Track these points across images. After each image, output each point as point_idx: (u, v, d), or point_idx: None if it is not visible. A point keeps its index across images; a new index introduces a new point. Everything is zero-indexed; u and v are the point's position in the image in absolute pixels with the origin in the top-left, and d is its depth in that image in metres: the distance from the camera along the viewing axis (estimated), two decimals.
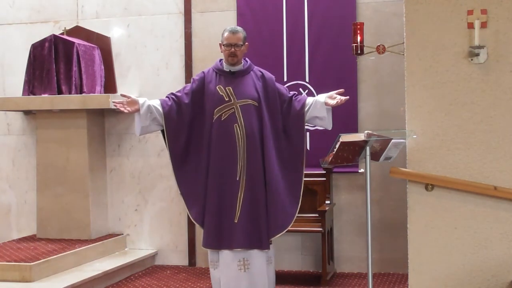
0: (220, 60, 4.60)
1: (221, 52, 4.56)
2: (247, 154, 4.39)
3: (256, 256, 4.37)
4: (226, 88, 4.46)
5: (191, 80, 4.60)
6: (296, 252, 5.76)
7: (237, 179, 4.38)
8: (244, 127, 4.39)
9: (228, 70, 4.53)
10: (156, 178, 6.14)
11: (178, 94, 4.50)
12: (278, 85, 4.59)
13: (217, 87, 4.48)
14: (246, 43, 4.56)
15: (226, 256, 4.37)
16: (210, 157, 4.42)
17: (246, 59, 4.61)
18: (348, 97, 4.32)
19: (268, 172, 4.42)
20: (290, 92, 4.56)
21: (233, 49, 4.45)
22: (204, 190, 4.43)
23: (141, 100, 4.39)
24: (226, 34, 4.49)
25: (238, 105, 4.42)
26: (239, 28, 4.55)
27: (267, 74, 4.60)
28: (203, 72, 4.59)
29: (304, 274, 5.65)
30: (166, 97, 4.50)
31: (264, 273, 4.41)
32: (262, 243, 4.36)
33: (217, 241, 4.37)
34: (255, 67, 4.60)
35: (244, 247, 4.34)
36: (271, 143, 4.47)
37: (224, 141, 4.38)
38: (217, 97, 4.44)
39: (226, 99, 4.44)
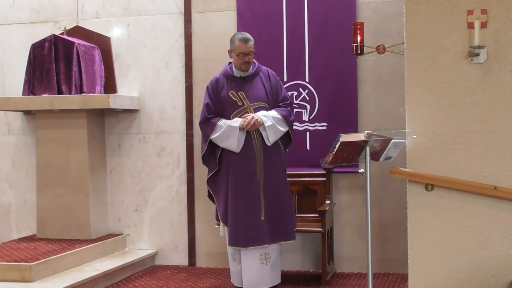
0: (229, 63, 4.85)
1: (230, 58, 4.82)
2: (264, 154, 4.71)
3: (275, 249, 4.75)
4: (238, 93, 4.76)
5: (206, 88, 4.87)
6: (296, 252, 5.76)
7: (257, 179, 4.69)
8: (259, 129, 4.70)
9: (238, 75, 4.80)
10: (156, 178, 6.14)
11: (213, 109, 4.78)
12: (281, 86, 4.92)
13: (229, 93, 4.77)
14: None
15: (250, 251, 4.68)
16: (229, 159, 4.72)
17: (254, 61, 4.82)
18: (251, 117, 4.63)
19: (283, 169, 4.83)
20: (283, 99, 4.87)
21: (246, 58, 4.72)
22: (226, 191, 4.74)
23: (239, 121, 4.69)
24: (237, 43, 4.72)
25: (251, 108, 4.75)
26: (248, 36, 4.77)
27: (273, 75, 4.91)
28: (216, 77, 4.85)
29: (304, 274, 5.65)
30: (215, 118, 4.77)
31: (279, 264, 4.83)
32: (289, 235, 4.78)
33: (245, 240, 4.67)
34: (262, 67, 4.82)
35: (272, 242, 4.69)
36: (280, 141, 4.81)
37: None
38: (231, 102, 4.74)
39: (240, 104, 4.75)
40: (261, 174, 4.68)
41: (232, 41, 4.74)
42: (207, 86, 4.87)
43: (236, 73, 4.79)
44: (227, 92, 4.75)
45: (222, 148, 4.75)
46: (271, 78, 4.85)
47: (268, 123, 4.67)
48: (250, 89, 4.76)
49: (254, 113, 4.70)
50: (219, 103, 4.77)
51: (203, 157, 4.86)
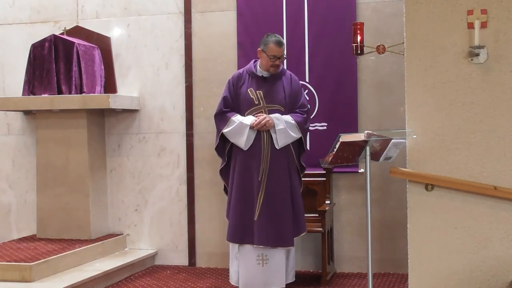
0: (255, 61, 4.86)
1: (259, 57, 4.82)
2: (271, 157, 4.71)
3: (275, 252, 4.70)
4: (257, 91, 4.77)
5: (227, 81, 4.89)
6: (296, 252, 5.72)
7: (259, 179, 4.69)
8: (270, 131, 4.70)
9: (261, 75, 4.80)
10: (156, 178, 6.14)
11: (230, 103, 4.80)
12: (301, 93, 4.92)
13: (248, 90, 4.79)
14: None
15: (247, 250, 4.69)
16: (237, 154, 4.76)
17: None
18: (263, 117, 4.65)
19: (292, 175, 4.78)
20: (301, 106, 4.84)
21: (277, 62, 4.74)
22: (231, 185, 4.80)
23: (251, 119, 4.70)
24: (271, 45, 4.73)
25: (266, 109, 4.76)
26: (282, 39, 4.81)
27: (296, 80, 4.91)
28: (239, 72, 4.89)
29: (304, 274, 5.65)
30: (230, 112, 4.79)
31: (283, 269, 4.74)
32: (286, 241, 4.70)
33: (239, 236, 4.71)
34: (287, 71, 4.86)
35: (263, 244, 4.66)
36: (292, 147, 4.80)
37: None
38: (248, 100, 4.76)
39: (256, 103, 4.76)
40: (264, 175, 4.68)
41: (265, 42, 4.74)
42: (228, 80, 4.91)
43: (259, 72, 4.81)
44: (246, 88, 4.78)
45: (232, 143, 4.77)
46: (293, 82, 4.86)
47: (279, 126, 4.67)
48: (270, 90, 4.78)
49: (269, 114, 4.70)
50: (237, 98, 4.80)
51: (216, 149, 4.89)
